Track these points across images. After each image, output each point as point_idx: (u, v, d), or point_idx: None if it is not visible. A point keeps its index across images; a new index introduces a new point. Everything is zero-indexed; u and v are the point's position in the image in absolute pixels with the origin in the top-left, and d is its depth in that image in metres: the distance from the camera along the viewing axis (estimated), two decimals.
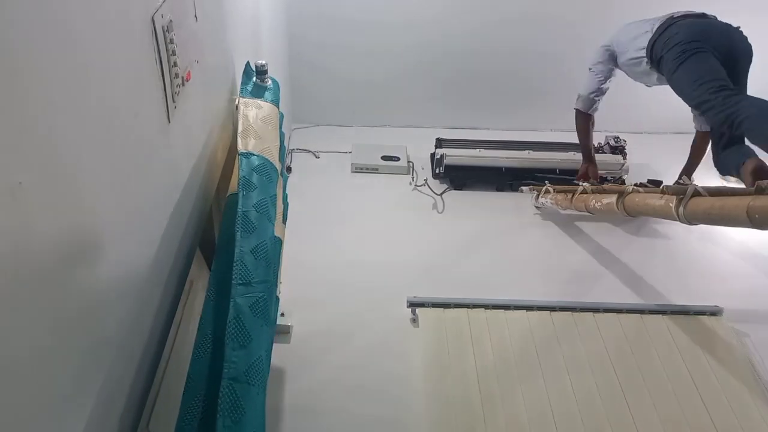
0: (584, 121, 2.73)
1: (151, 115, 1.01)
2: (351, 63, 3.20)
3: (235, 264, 1.06)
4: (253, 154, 1.29)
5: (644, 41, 2.39)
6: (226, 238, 1.16)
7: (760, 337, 2.12)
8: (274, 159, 1.36)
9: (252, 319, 1.01)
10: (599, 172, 2.78)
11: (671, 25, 2.31)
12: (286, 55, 3.05)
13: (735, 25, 2.29)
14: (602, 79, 2.62)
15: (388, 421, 1.81)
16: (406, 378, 1.94)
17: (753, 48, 2.24)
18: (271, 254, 1.15)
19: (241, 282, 1.04)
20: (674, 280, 2.41)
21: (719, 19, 2.33)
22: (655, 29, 2.35)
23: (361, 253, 2.46)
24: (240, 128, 1.37)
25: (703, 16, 2.34)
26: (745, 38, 2.26)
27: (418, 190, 2.93)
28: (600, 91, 2.65)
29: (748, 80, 2.26)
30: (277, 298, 1.64)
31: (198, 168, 1.31)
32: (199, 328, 1.05)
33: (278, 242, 1.36)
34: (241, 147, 1.30)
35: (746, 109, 1.92)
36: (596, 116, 2.74)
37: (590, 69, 2.67)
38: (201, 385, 0.98)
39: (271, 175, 1.30)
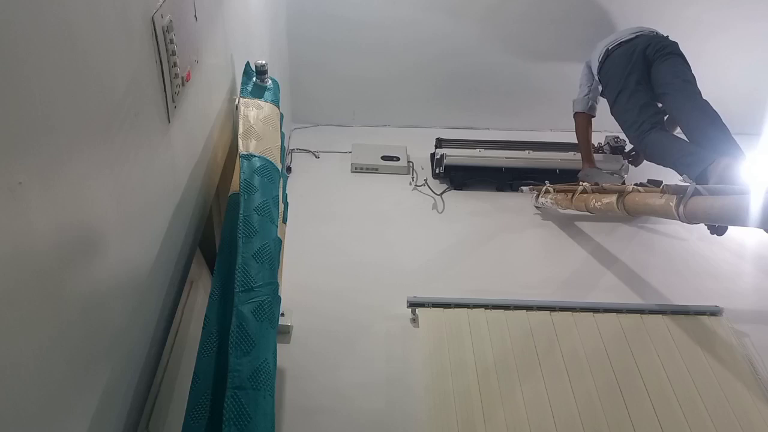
0: (584, 121, 2.79)
1: (151, 115, 1.01)
2: (351, 63, 3.20)
3: (236, 271, 1.06)
4: (255, 156, 1.29)
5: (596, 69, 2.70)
6: (228, 238, 1.16)
7: (760, 337, 2.12)
8: (276, 159, 1.35)
9: (255, 324, 1.01)
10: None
11: (606, 59, 2.60)
12: (286, 55, 3.06)
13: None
14: (589, 84, 2.80)
15: (388, 421, 1.81)
16: (406, 378, 1.94)
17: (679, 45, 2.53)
18: (274, 255, 1.15)
19: (242, 289, 1.04)
20: (674, 280, 2.41)
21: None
22: (598, 61, 2.65)
23: (361, 253, 2.46)
24: (240, 129, 1.36)
25: (637, 35, 2.58)
26: (665, 39, 2.55)
27: (418, 190, 2.93)
28: (591, 93, 2.78)
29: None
30: (279, 298, 1.65)
31: (198, 168, 1.31)
32: (204, 327, 1.05)
33: (279, 242, 1.36)
34: (242, 149, 1.30)
35: (647, 147, 2.41)
36: (597, 115, 2.79)
37: (580, 85, 2.86)
38: (207, 383, 0.98)
39: (273, 176, 1.30)
